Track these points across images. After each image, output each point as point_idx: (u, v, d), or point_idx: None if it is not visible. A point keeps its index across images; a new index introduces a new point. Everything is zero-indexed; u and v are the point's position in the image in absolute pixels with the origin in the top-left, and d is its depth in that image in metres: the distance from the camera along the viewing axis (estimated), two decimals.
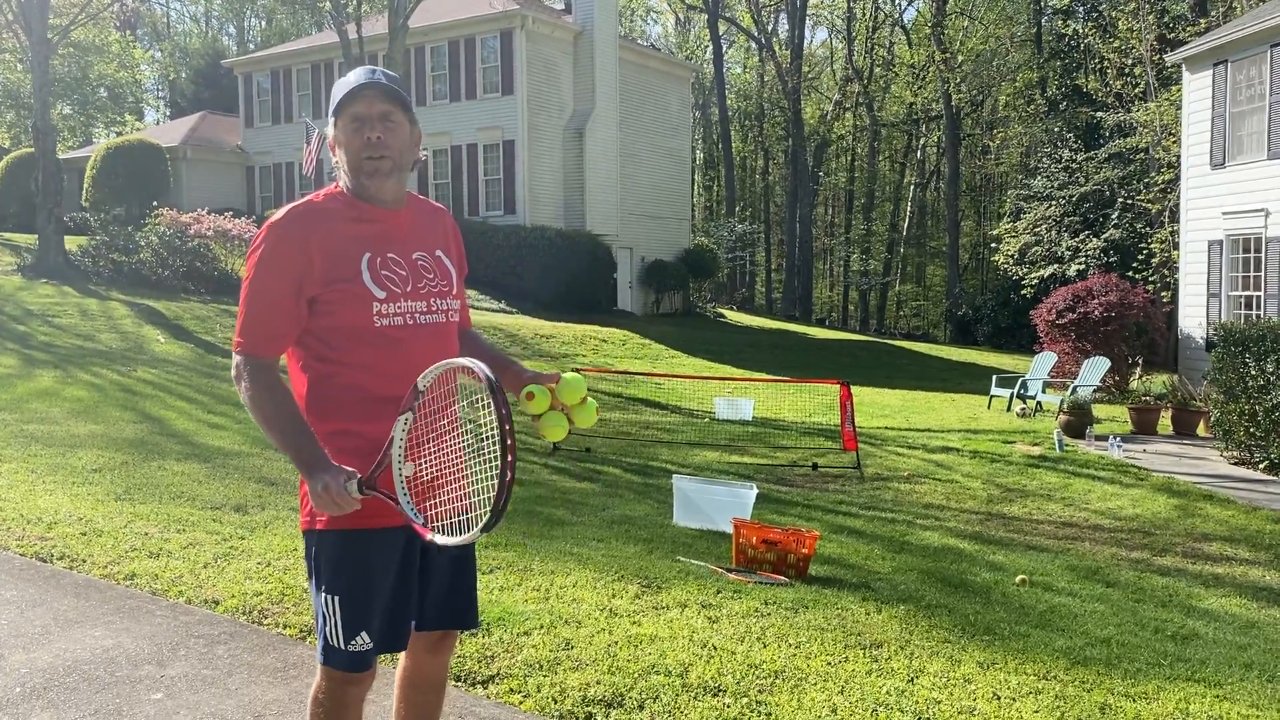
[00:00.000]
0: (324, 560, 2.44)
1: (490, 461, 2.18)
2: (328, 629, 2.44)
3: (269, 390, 2.35)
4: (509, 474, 2.07)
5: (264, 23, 56.67)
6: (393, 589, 2.48)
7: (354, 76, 2.45)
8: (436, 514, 2.23)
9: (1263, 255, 16.64)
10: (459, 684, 4.00)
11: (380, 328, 2.42)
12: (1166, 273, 24.84)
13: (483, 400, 2.18)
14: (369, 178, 2.43)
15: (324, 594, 2.44)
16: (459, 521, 2.20)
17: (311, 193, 2.51)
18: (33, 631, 4.46)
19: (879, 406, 16.77)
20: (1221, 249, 17.56)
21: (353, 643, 2.43)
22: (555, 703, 3.82)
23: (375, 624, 2.45)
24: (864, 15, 51.99)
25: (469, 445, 2.37)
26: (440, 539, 2.16)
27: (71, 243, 22.58)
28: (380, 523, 2.42)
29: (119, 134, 39.20)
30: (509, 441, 2.07)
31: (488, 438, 2.21)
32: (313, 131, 26.17)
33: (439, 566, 2.60)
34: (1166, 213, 26.03)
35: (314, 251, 2.37)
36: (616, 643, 4.47)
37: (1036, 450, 12.23)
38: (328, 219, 2.43)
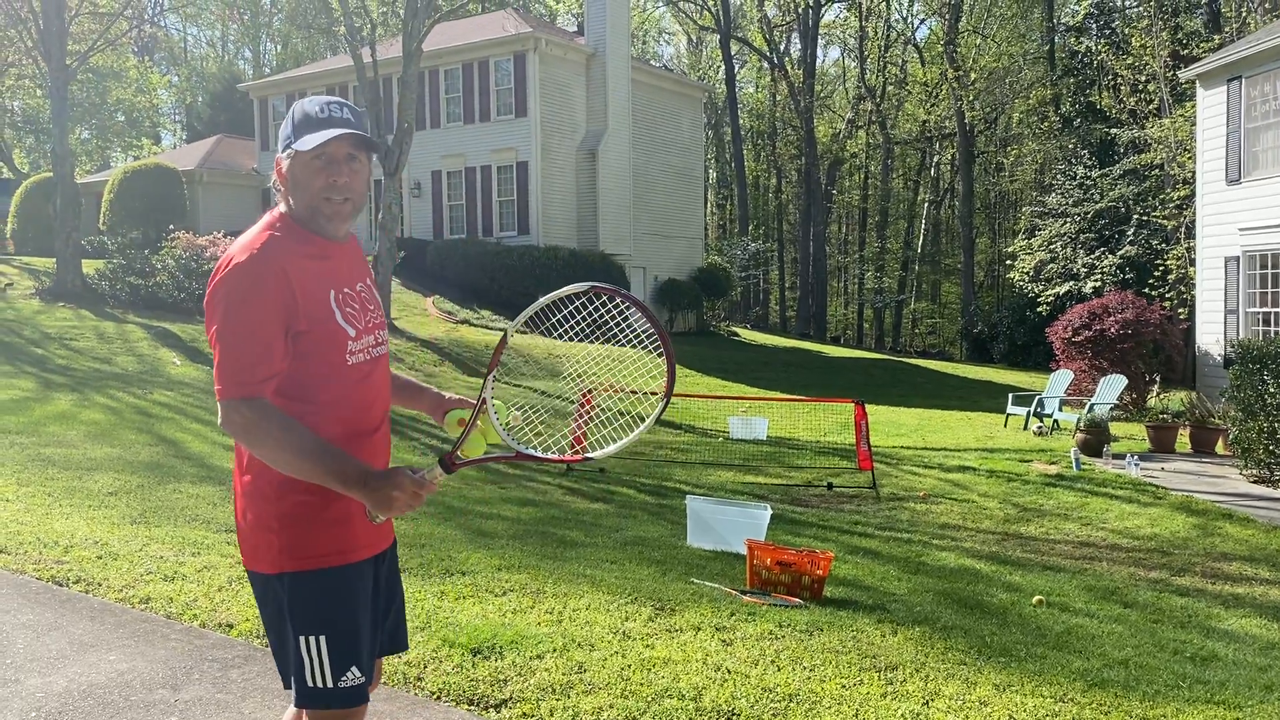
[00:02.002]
0: (302, 602, 2.37)
1: (639, 356, 2.58)
2: (310, 671, 2.38)
3: (286, 426, 2.26)
4: (668, 349, 2.38)
5: (279, 47, 57.21)
6: (370, 621, 2.48)
7: (316, 108, 2.40)
8: (578, 436, 2.60)
9: None
10: (472, 708, 4.00)
11: (352, 365, 2.41)
12: (1183, 289, 24.72)
13: (616, 305, 2.48)
14: (329, 221, 2.40)
15: (304, 637, 2.37)
16: (616, 427, 2.43)
17: (260, 225, 2.41)
18: (49, 655, 4.47)
19: (894, 425, 16.71)
20: (1239, 265, 17.47)
21: (342, 679, 2.38)
22: None
23: (363, 657, 2.42)
24: (876, 34, 52.12)
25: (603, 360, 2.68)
26: (600, 452, 2.39)
27: (89, 266, 22.76)
28: (355, 556, 2.42)
29: (136, 158, 39.56)
30: (657, 328, 2.39)
31: (624, 337, 2.61)
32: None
33: (383, 593, 2.59)
34: (1183, 229, 25.93)
35: (295, 286, 2.31)
36: (630, 666, 4.45)
37: (1053, 469, 12.16)
38: (296, 254, 2.36)
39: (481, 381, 2.55)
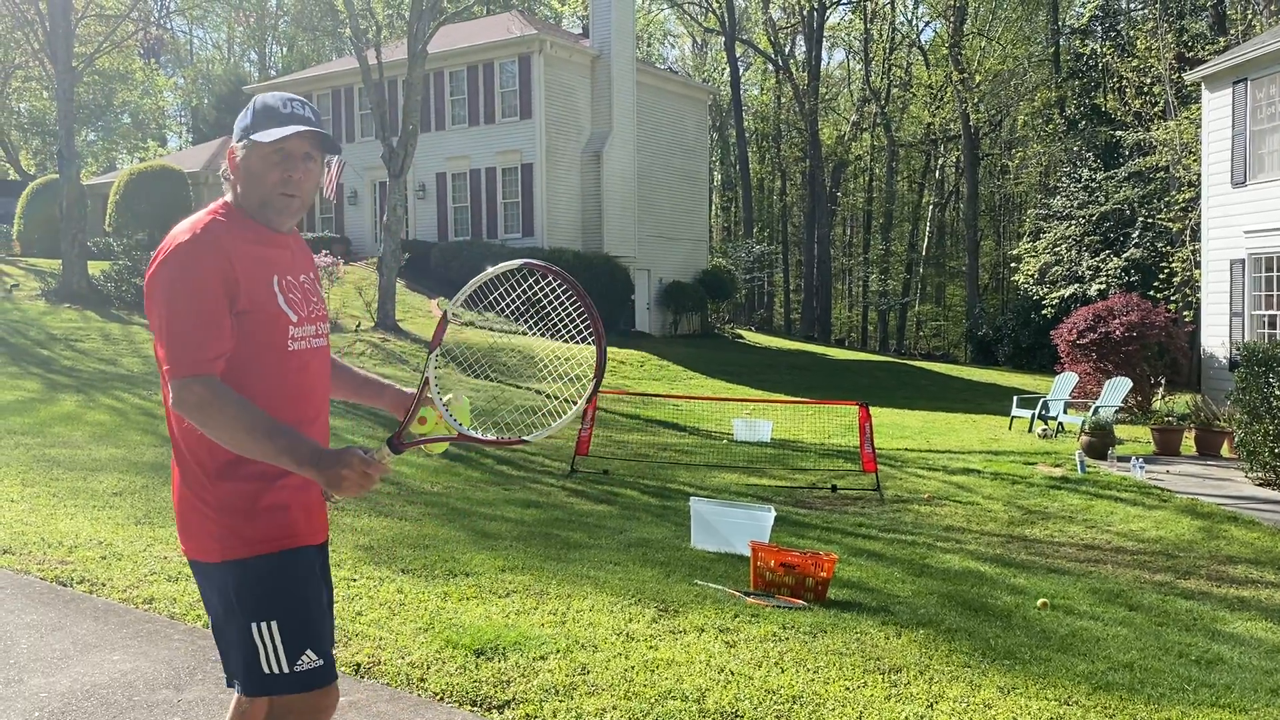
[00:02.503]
0: (251, 588, 2.36)
1: (566, 331, 2.54)
2: (264, 657, 2.36)
3: (239, 404, 2.25)
4: (596, 326, 2.37)
5: (285, 49, 57.30)
6: (322, 606, 2.47)
7: (279, 103, 2.41)
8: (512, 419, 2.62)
9: None
10: (475, 709, 3.99)
11: (293, 351, 2.42)
12: (1188, 292, 24.67)
13: (549, 283, 2.47)
14: (278, 214, 2.43)
15: (256, 623, 2.35)
16: (553, 407, 2.49)
17: (203, 211, 2.42)
18: (52, 655, 4.47)
19: (899, 428, 16.69)
20: (1244, 268, 17.44)
21: (298, 664, 2.36)
22: None
23: (319, 641, 2.41)
24: (881, 36, 52.12)
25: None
26: (536, 435, 2.43)
27: (95, 268, 22.81)
28: (296, 543, 2.42)
29: (142, 160, 39.65)
30: (587, 306, 2.37)
31: (555, 314, 2.55)
32: (332, 157, 26.41)
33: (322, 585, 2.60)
34: (1188, 231, 25.88)
35: (237, 266, 2.31)
36: (633, 667, 4.45)
37: (1058, 472, 12.14)
38: (239, 236, 2.37)
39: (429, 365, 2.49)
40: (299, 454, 2.23)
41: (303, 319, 2.45)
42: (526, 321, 2.83)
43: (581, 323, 2.48)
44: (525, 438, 2.38)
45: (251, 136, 2.38)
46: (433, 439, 2.39)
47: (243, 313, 2.32)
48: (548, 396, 2.81)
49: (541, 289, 2.54)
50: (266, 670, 2.36)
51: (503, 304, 2.72)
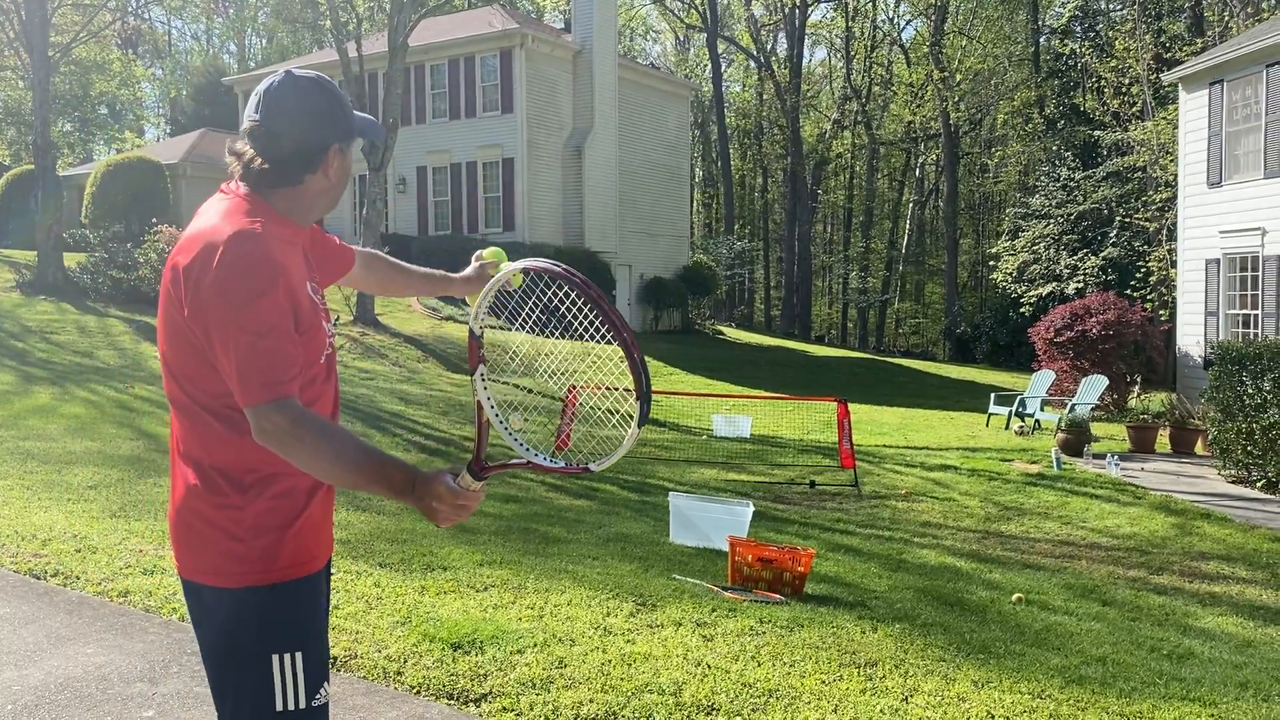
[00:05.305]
0: (275, 618, 2.11)
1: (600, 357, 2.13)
2: (282, 694, 2.11)
3: (323, 431, 1.98)
4: (635, 353, 2.04)
5: (265, 41, 56.94)
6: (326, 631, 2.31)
7: (361, 115, 2.25)
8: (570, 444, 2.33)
9: (1260, 274, 16.69)
10: (451, 702, 4.00)
11: (322, 363, 2.18)
12: (1164, 291, 24.89)
13: (562, 293, 2.11)
14: (321, 212, 2.25)
15: (278, 655, 2.11)
16: (605, 437, 2.24)
17: (234, 208, 2.12)
18: (25, 649, 4.44)
19: (877, 424, 16.76)
20: (1219, 267, 17.61)
21: (315, 698, 2.16)
22: None
23: (327, 672, 2.23)
24: (862, 34, 52.25)
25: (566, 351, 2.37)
26: (597, 465, 2.14)
27: (70, 259, 22.61)
28: (319, 565, 2.23)
29: (119, 151, 39.30)
30: (614, 319, 2.04)
31: (581, 330, 2.19)
32: None
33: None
34: (1164, 231, 26.11)
35: (293, 277, 2.07)
36: (610, 661, 4.46)
37: (1034, 468, 12.22)
38: (280, 236, 2.10)
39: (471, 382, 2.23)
40: (393, 481, 1.98)
41: (329, 323, 2.24)
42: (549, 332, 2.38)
43: (604, 327, 2.10)
44: (590, 466, 2.14)
45: (353, 136, 2.19)
46: (509, 465, 2.14)
47: (301, 331, 2.07)
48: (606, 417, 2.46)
49: (552, 295, 2.17)
50: (281, 707, 2.10)
51: (521, 314, 2.38)
